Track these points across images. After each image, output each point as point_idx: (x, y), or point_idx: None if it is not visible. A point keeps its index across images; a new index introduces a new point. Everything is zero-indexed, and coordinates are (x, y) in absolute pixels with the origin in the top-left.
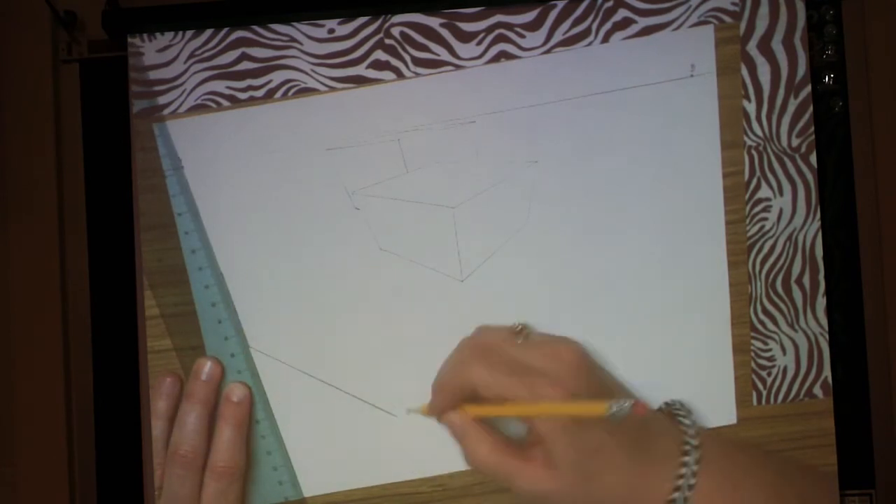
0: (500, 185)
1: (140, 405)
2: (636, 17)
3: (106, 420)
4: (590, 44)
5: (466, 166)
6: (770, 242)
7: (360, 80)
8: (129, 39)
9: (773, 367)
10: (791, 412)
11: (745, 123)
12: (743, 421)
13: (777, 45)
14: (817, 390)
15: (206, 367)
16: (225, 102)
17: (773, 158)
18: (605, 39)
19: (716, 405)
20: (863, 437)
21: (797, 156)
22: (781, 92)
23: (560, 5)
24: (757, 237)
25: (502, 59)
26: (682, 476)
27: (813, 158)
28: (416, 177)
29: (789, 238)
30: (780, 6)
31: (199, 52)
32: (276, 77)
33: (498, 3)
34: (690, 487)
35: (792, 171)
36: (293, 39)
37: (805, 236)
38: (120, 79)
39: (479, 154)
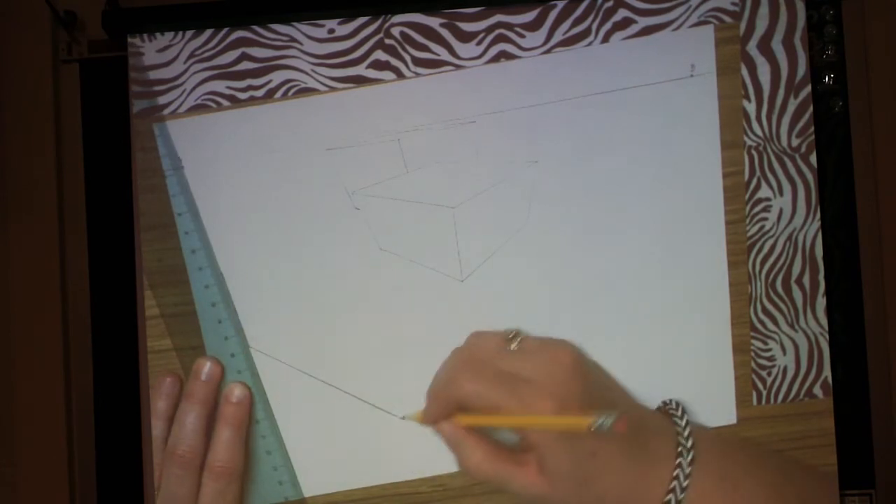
0: (500, 185)
1: (140, 405)
2: (636, 17)
3: (106, 420)
4: (590, 44)
5: (466, 166)
6: (770, 242)
7: (360, 80)
8: (129, 39)
9: (773, 366)
10: (791, 412)
11: (745, 123)
12: (743, 421)
13: (777, 45)
14: (817, 390)
15: (206, 368)
16: (225, 102)
17: (773, 158)
18: (605, 39)
19: (716, 405)
20: (863, 437)
21: (797, 156)
22: (781, 92)
23: (560, 5)
24: (757, 237)
25: (502, 59)
26: (675, 478)
27: (813, 158)
28: (416, 177)
29: (789, 238)
30: (780, 6)
31: (199, 52)
32: (276, 77)
33: (498, 3)
34: (683, 489)
35: (792, 171)
36: (293, 39)
37: (805, 236)
38: (120, 79)
39: (479, 154)
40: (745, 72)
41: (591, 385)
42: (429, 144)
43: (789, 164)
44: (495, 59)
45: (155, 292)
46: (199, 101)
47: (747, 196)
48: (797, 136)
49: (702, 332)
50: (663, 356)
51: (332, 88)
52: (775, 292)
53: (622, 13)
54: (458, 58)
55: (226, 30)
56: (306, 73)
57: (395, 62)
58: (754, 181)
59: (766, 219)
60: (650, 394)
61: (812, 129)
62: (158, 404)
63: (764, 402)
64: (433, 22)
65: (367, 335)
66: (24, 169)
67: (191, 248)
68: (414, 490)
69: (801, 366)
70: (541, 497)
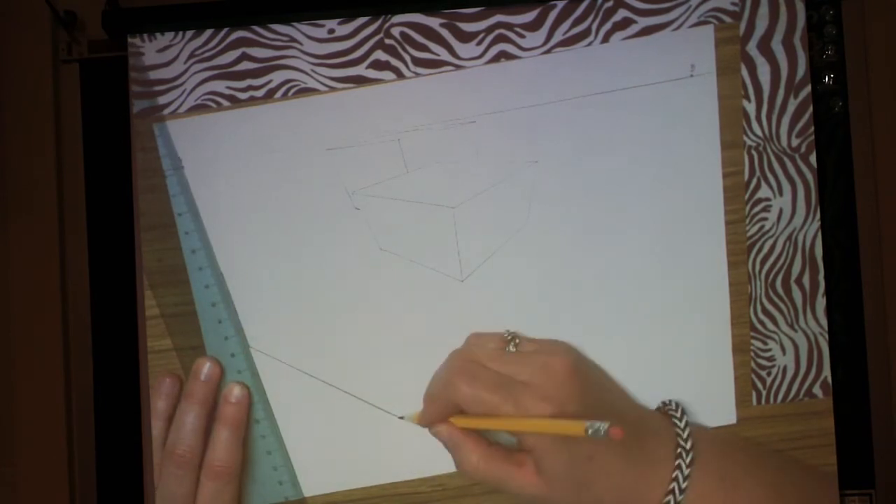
0: (500, 185)
1: (140, 405)
2: (636, 17)
3: (106, 420)
4: (590, 44)
5: (466, 166)
6: (770, 242)
7: (360, 80)
8: (130, 39)
9: (773, 366)
10: (791, 412)
11: (744, 123)
12: (743, 421)
13: (777, 46)
14: (817, 390)
15: (206, 368)
16: (225, 102)
17: (772, 158)
18: (605, 39)
19: (716, 405)
20: (863, 437)
21: (797, 156)
22: (781, 92)
23: (560, 5)
24: (757, 237)
25: (502, 59)
26: (674, 479)
27: (813, 158)
28: (416, 177)
29: (789, 238)
30: (780, 6)
31: (200, 52)
32: (277, 77)
33: (498, 3)
34: (682, 491)
35: (792, 171)
36: (293, 39)
37: (805, 236)
38: (120, 79)
39: (479, 154)
40: (745, 72)
41: (588, 387)
42: (429, 144)
43: (789, 164)
44: (495, 59)
45: (155, 292)
46: (199, 101)
47: (747, 196)
48: (797, 136)
49: (702, 332)
50: (663, 356)
51: (332, 88)
52: (775, 292)
53: (622, 13)
54: (458, 58)
55: (226, 30)
56: (306, 73)
57: (395, 62)
58: (754, 181)
59: (765, 219)
60: (650, 394)
61: (812, 129)
62: (158, 404)
63: (764, 402)
64: (433, 22)
65: (367, 335)
66: (24, 169)
67: (191, 248)
68: (413, 490)
69: (800, 366)
70: (539, 497)
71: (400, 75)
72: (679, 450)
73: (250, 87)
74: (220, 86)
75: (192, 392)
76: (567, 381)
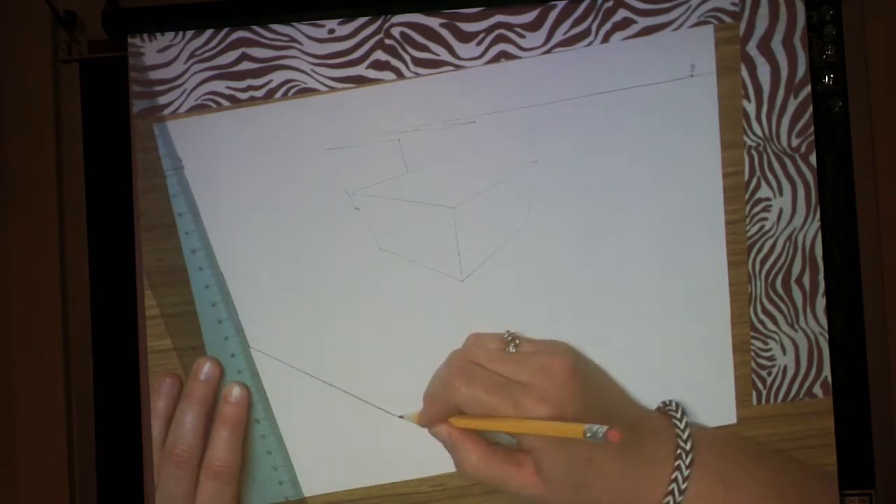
0: (500, 185)
1: (140, 405)
2: (636, 18)
3: (106, 420)
4: (590, 44)
5: (466, 166)
6: (770, 242)
7: (360, 80)
8: (130, 39)
9: (773, 366)
10: (791, 412)
11: (744, 123)
12: (743, 420)
13: (777, 46)
14: (817, 390)
15: (205, 368)
16: (225, 102)
17: (772, 158)
18: (605, 39)
19: (716, 405)
20: (863, 437)
21: (797, 156)
22: (781, 92)
23: (560, 5)
24: (757, 237)
25: (502, 59)
26: (673, 480)
27: (813, 158)
28: (416, 177)
29: (789, 238)
30: (780, 6)
31: (200, 52)
32: (277, 77)
33: (498, 3)
34: (682, 492)
35: (792, 171)
36: (293, 39)
37: (805, 236)
38: (120, 79)
39: (479, 154)
40: (744, 72)
41: (588, 388)
42: (429, 144)
43: (789, 164)
44: (495, 59)
45: (155, 292)
46: (199, 102)
47: (747, 196)
48: (797, 136)
49: (702, 332)
50: (663, 356)
51: (332, 88)
52: (775, 292)
53: (622, 13)
54: (458, 58)
55: (226, 30)
56: (306, 74)
57: (395, 62)
58: (754, 181)
59: (765, 219)
60: (650, 394)
61: (812, 129)
62: (158, 404)
63: (764, 401)
64: (433, 22)
65: (367, 335)
66: (24, 169)
67: (191, 248)
68: (413, 490)
69: (800, 365)
70: (538, 498)
71: (400, 75)
72: (679, 450)
73: (250, 87)
74: (220, 86)
75: (192, 392)
76: (566, 381)
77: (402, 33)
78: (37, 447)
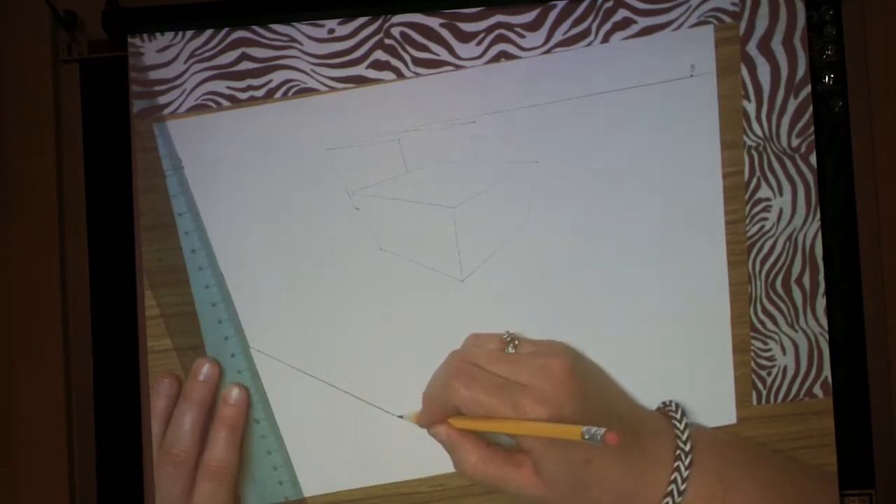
0: (500, 185)
1: (140, 405)
2: (636, 18)
3: (106, 420)
4: (590, 44)
5: (466, 166)
6: (770, 242)
7: (360, 80)
8: (130, 39)
9: (773, 366)
10: (791, 412)
11: (744, 123)
12: (743, 421)
13: (777, 46)
14: (817, 390)
15: (205, 368)
16: (225, 102)
17: (772, 158)
18: (605, 39)
19: (716, 405)
20: (863, 437)
21: (797, 156)
22: (781, 92)
23: (560, 5)
24: (757, 237)
25: (502, 59)
26: (673, 480)
27: (813, 158)
28: (416, 177)
29: (789, 238)
30: (780, 6)
31: (200, 52)
32: (277, 77)
33: (498, 3)
34: (681, 492)
35: (792, 171)
36: (293, 39)
37: (805, 236)
38: (120, 79)
39: (479, 154)
40: (744, 72)
41: (587, 388)
42: (429, 144)
43: (789, 164)
44: (495, 59)
45: (155, 292)
46: (199, 101)
47: (747, 196)
48: (797, 136)
49: (702, 332)
50: (663, 356)
51: (332, 88)
52: (775, 292)
53: (622, 13)
54: (458, 58)
55: (226, 30)
56: (306, 74)
57: (395, 62)
58: (754, 181)
59: (766, 219)
60: (650, 394)
61: (812, 129)
62: (157, 404)
63: (764, 401)
64: (433, 22)
65: (366, 335)
66: (24, 169)
67: (191, 248)
68: (414, 490)
69: (800, 366)
70: (538, 498)
71: (400, 75)
72: (678, 451)
73: (250, 87)
74: (220, 86)
75: (191, 392)
76: (565, 382)
77: (401, 33)
78: (37, 447)
